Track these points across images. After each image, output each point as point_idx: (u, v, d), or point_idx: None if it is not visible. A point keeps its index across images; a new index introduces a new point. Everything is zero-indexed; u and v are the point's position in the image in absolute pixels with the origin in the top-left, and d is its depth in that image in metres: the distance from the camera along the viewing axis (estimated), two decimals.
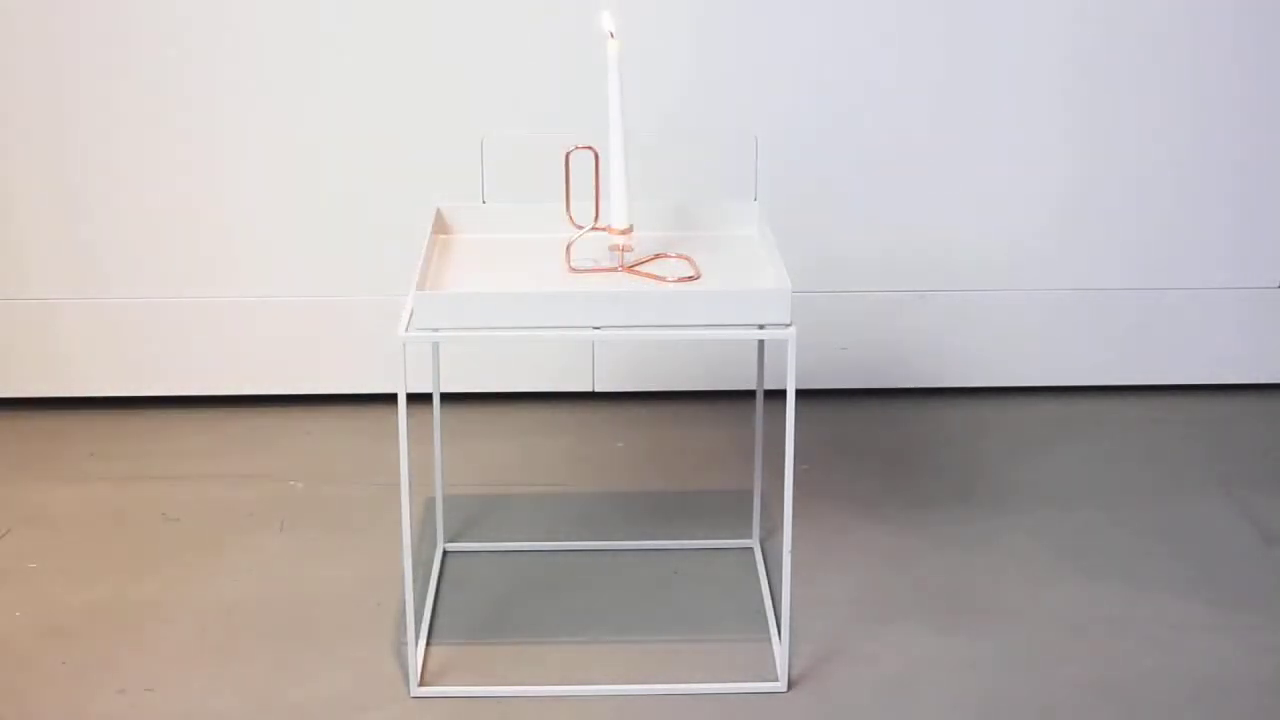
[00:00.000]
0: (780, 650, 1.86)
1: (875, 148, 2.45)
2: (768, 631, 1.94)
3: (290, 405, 2.55)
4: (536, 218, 1.93)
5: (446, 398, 2.14)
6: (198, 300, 2.49)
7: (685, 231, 1.94)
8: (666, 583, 2.05)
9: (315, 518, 2.22)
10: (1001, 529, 2.18)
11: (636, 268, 1.82)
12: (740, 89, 2.42)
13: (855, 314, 2.53)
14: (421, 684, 1.84)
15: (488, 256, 1.89)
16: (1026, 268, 2.52)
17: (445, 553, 2.12)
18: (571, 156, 1.80)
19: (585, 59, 2.29)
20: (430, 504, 2.20)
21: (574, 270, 1.82)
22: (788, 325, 1.71)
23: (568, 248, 1.83)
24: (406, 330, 1.72)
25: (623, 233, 1.81)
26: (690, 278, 1.80)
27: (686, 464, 2.38)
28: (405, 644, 1.90)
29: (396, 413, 1.72)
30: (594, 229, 1.83)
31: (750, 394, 2.14)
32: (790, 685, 1.84)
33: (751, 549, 2.12)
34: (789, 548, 1.80)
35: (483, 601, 2.01)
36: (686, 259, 1.84)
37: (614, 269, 1.82)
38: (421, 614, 1.96)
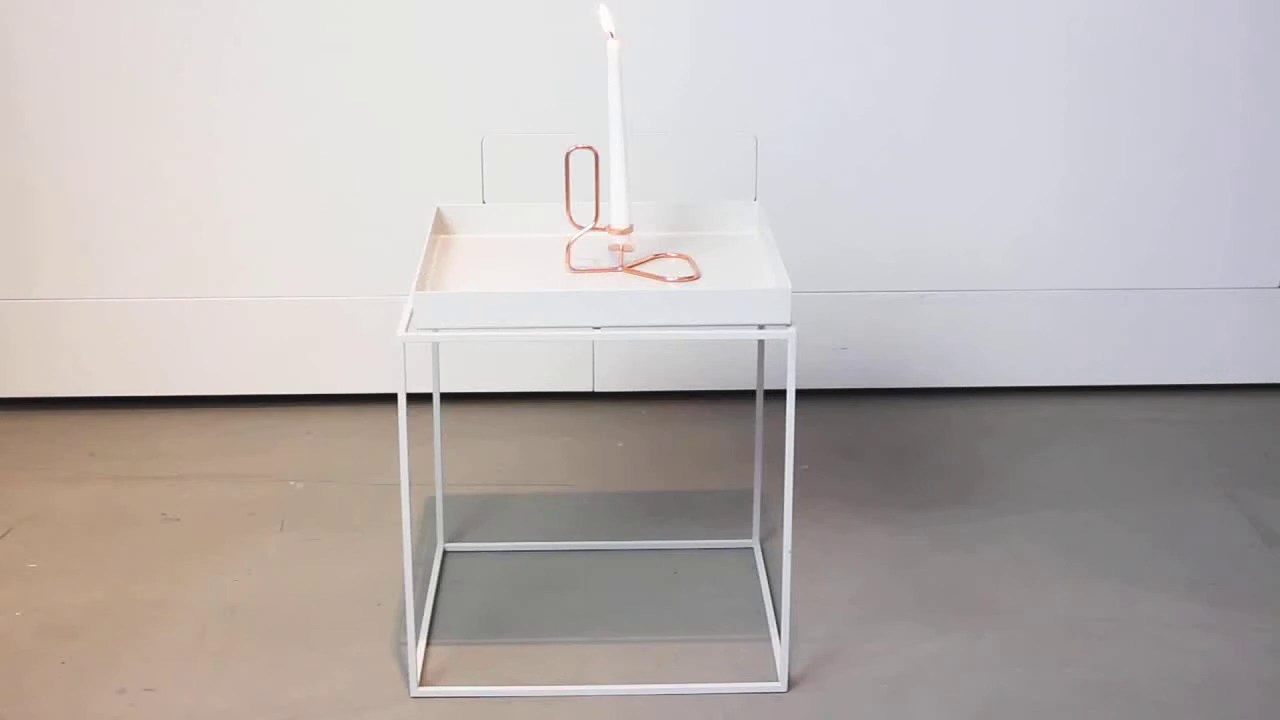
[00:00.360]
0: (780, 650, 1.86)
1: (875, 148, 2.45)
2: (768, 631, 1.94)
3: (290, 405, 2.55)
4: (536, 218, 1.93)
5: (446, 398, 2.14)
6: (198, 300, 2.49)
7: (685, 231, 1.93)
8: (666, 583, 2.05)
9: (315, 518, 2.22)
10: (1001, 529, 2.18)
11: (636, 268, 1.82)
12: (740, 89, 2.42)
13: (855, 314, 2.53)
14: (421, 684, 1.84)
15: (488, 256, 1.89)
16: (1026, 268, 2.52)
17: (445, 553, 2.12)
18: (571, 156, 1.80)
19: (585, 59, 2.29)
20: (430, 504, 2.20)
21: (574, 270, 1.82)
22: (788, 325, 1.71)
23: (568, 248, 1.83)
24: (406, 330, 1.72)
25: (623, 233, 1.81)
26: (690, 278, 1.80)
27: (686, 464, 2.38)
28: (405, 644, 1.90)
29: (396, 413, 1.72)
30: (594, 229, 1.82)
31: (750, 394, 2.14)
32: (790, 685, 1.84)
33: (751, 549, 2.12)
34: (789, 548, 1.80)
35: (483, 601, 2.01)
36: (686, 259, 1.84)
37: (614, 269, 1.82)
38: (421, 614, 1.96)
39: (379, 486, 2.29)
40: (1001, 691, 1.84)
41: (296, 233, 2.46)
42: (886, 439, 2.45)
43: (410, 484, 1.77)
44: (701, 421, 2.50)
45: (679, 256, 1.85)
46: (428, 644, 1.92)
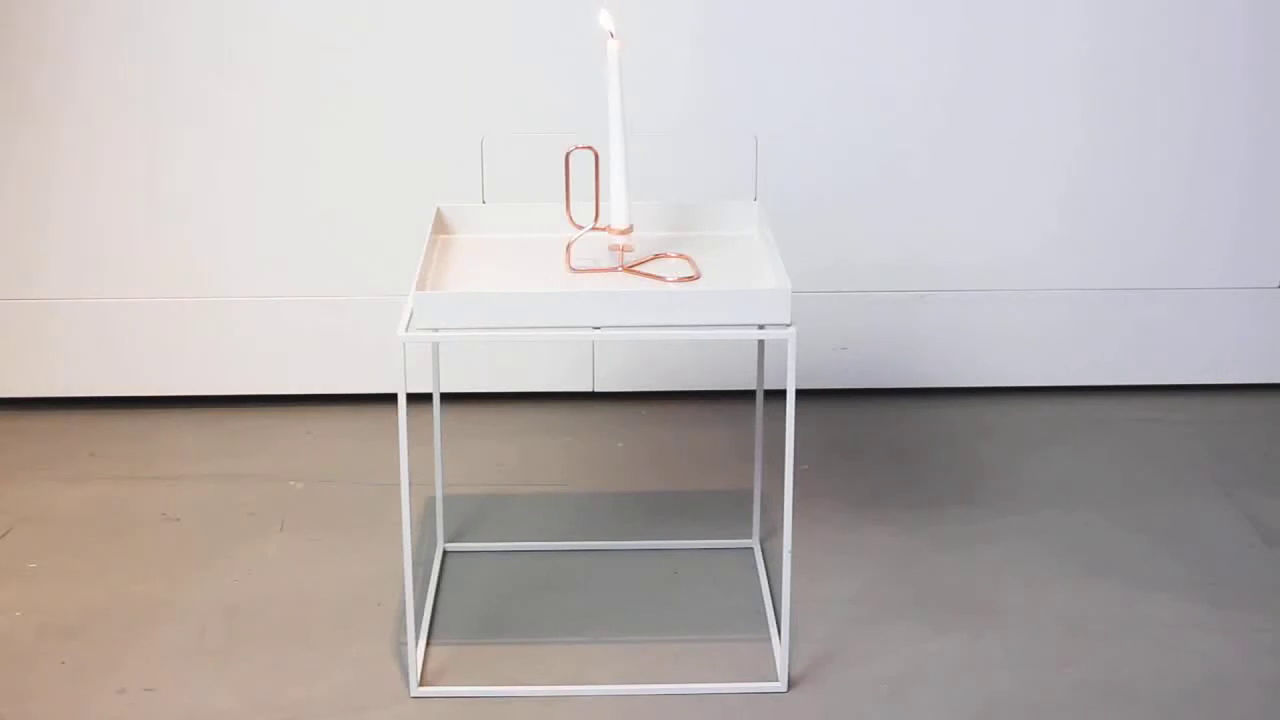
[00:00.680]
0: (780, 650, 1.86)
1: (875, 147, 2.45)
2: (768, 631, 1.94)
3: (290, 405, 2.55)
4: (536, 218, 1.93)
5: (446, 398, 2.14)
6: (198, 300, 2.49)
7: (685, 231, 1.93)
8: (666, 583, 2.05)
9: (315, 518, 2.22)
10: (1001, 529, 2.18)
11: (636, 268, 1.82)
12: (740, 89, 2.42)
13: (855, 314, 2.53)
14: (421, 684, 1.84)
15: (488, 256, 1.89)
16: (1027, 268, 2.52)
17: (445, 553, 2.12)
18: (571, 156, 1.80)
19: (585, 59, 2.29)
20: (430, 504, 2.20)
21: (574, 270, 1.82)
22: (788, 325, 1.71)
23: (568, 248, 1.83)
24: (406, 330, 1.72)
25: (623, 233, 1.81)
26: (690, 278, 1.80)
27: (686, 464, 2.38)
28: (405, 644, 1.90)
29: (396, 413, 1.72)
30: (594, 229, 1.83)
31: (750, 394, 2.14)
32: (790, 685, 1.84)
33: (751, 549, 2.12)
34: (789, 548, 1.80)
35: (483, 601, 2.01)
36: (686, 259, 1.84)
37: (614, 269, 1.82)
38: (421, 614, 1.96)
39: (379, 486, 2.29)
40: (1001, 691, 1.84)
41: (296, 233, 2.46)
42: (886, 439, 2.45)
43: (410, 484, 1.77)
44: (701, 421, 2.50)
45: (679, 256, 1.85)
46: (428, 644, 1.92)
